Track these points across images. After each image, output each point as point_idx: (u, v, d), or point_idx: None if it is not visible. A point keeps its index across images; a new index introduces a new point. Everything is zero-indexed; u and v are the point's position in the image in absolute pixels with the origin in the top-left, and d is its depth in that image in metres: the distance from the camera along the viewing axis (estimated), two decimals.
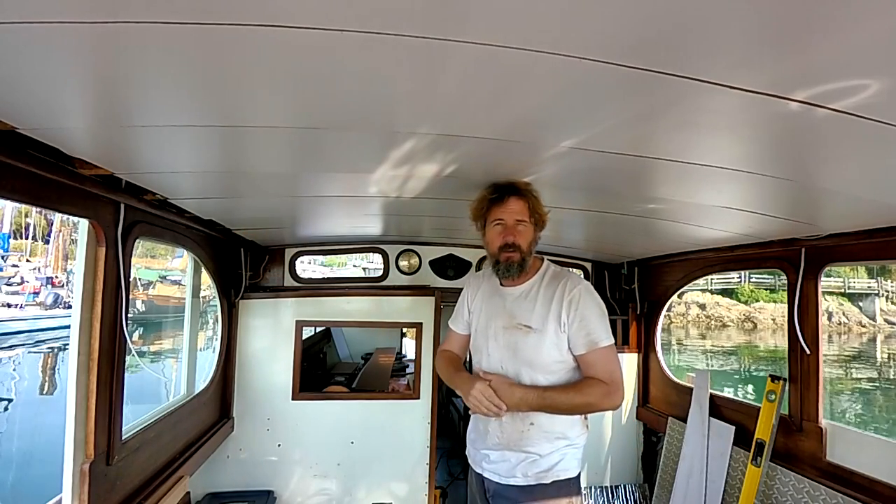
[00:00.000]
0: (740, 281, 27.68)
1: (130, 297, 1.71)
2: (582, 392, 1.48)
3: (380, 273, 3.34)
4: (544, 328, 1.52)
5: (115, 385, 1.62)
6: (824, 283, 2.10)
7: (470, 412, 1.61)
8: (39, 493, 1.68)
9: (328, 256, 4.09)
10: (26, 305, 19.65)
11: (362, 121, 1.07)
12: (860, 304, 26.91)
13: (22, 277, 22.47)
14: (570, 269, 1.78)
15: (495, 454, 1.60)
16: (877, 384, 16.86)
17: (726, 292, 28.42)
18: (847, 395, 15.25)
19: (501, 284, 1.65)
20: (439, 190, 1.70)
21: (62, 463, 1.49)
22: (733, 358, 20.36)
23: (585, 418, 1.61)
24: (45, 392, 11.94)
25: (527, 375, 1.54)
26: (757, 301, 27.90)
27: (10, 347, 15.76)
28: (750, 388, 14.23)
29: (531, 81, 0.83)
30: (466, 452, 1.76)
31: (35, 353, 15.77)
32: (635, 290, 3.28)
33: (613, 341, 1.53)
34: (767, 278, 26.98)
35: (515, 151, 1.23)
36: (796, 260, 2.09)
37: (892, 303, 27.41)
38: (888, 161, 1.07)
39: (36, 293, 20.96)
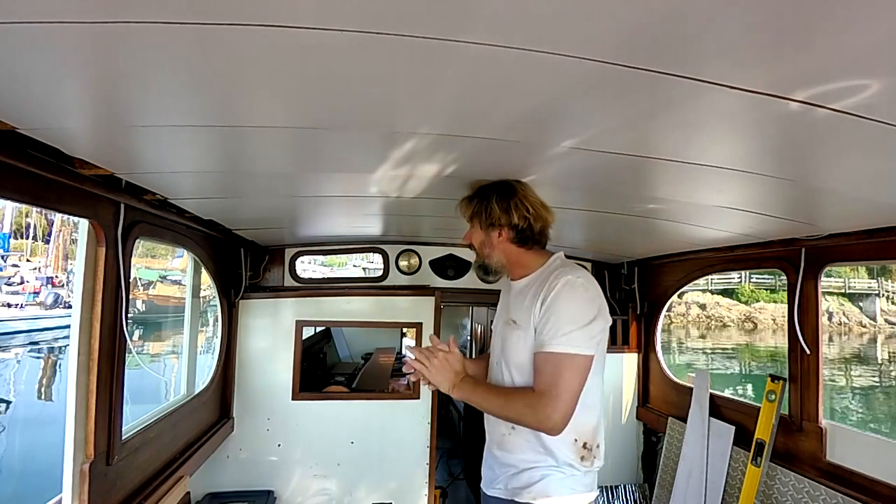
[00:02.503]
0: (740, 281, 27.67)
1: (130, 297, 1.71)
2: (507, 398, 1.38)
3: (380, 273, 3.34)
4: (526, 324, 1.41)
5: (115, 385, 1.62)
6: (824, 283, 2.10)
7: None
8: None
9: (328, 256, 4.10)
10: (26, 305, 19.67)
11: (362, 121, 1.07)
12: (860, 304, 26.91)
13: (22, 277, 22.51)
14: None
15: (489, 460, 1.54)
16: (877, 385, 16.85)
17: (726, 292, 28.42)
18: (847, 396, 15.24)
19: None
20: (439, 190, 1.70)
21: (62, 463, 1.49)
22: (733, 359, 20.35)
23: (584, 446, 1.39)
24: (42, 393, 11.94)
25: (507, 373, 1.47)
26: (757, 301, 27.91)
27: (11, 347, 15.77)
28: (749, 388, 14.23)
29: (531, 81, 0.83)
30: None
31: (35, 355, 15.77)
32: (635, 290, 3.28)
33: (576, 351, 1.28)
34: (767, 278, 26.98)
35: (515, 151, 1.23)
36: (796, 260, 2.09)
37: (893, 303, 27.40)
38: (888, 161, 1.07)
39: (36, 293, 20.99)
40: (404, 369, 1.53)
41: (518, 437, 1.42)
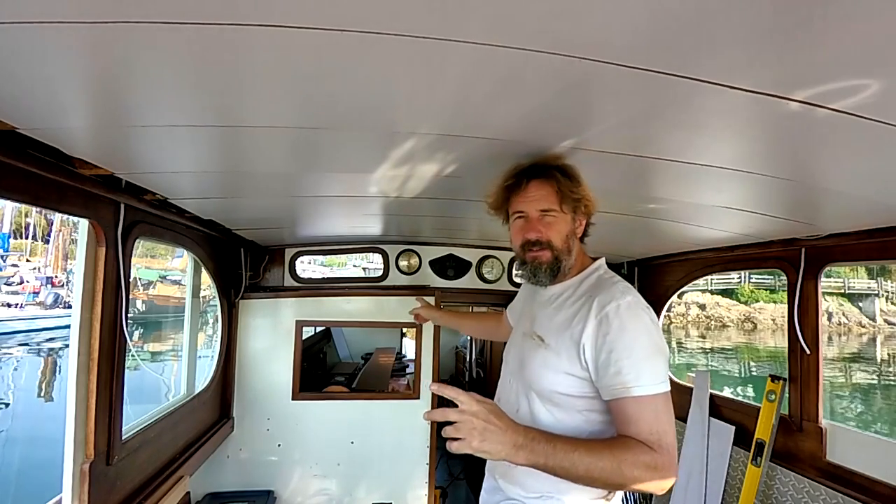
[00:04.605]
0: (740, 281, 27.69)
1: (130, 297, 1.71)
2: (616, 458, 0.97)
3: (380, 273, 3.34)
4: (558, 347, 1.14)
5: (115, 385, 1.62)
6: (824, 283, 2.10)
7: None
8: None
9: (328, 256, 4.10)
10: (26, 305, 19.67)
11: (362, 121, 1.07)
12: (860, 304, 26.93)
13: (22, 277, 22.49)
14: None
15: (488, 484, 1.35)
16: (876, 385, 16.86)
17: (726, 292, 28.44)
18: (847, 396, 15.25)
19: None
20: (439, 190, 1.70)
21: (62, 463, 1.49)
22: (733, 359, 20.36)
23: (606, 498, 1.15)
24: (43, 394, 11.94)
25: (525, 400, 1.20)
26: (757, 301, 27.92)
27: (10, 347, 15.77)
28: (750, 389, 14.23)
29: (531, 81, 0.83)
30: None
31: (35, 354, 15.77)
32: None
33: (667, 388, 1.03)
34: (767, 278, 27.02)
35: (515, 151, 1.23)
36: (796, 260, 2.09)
37: (892, 303, 27.43)
38: (888, 161, 1.07)
39: (36, 293, 20.98)
40: (425, 416, 1.00)
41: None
